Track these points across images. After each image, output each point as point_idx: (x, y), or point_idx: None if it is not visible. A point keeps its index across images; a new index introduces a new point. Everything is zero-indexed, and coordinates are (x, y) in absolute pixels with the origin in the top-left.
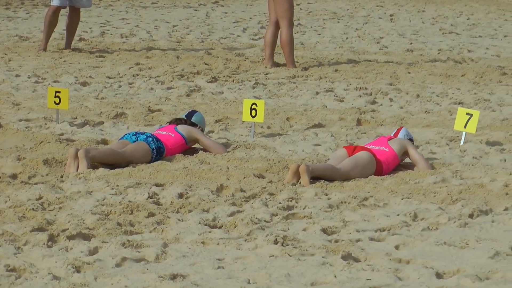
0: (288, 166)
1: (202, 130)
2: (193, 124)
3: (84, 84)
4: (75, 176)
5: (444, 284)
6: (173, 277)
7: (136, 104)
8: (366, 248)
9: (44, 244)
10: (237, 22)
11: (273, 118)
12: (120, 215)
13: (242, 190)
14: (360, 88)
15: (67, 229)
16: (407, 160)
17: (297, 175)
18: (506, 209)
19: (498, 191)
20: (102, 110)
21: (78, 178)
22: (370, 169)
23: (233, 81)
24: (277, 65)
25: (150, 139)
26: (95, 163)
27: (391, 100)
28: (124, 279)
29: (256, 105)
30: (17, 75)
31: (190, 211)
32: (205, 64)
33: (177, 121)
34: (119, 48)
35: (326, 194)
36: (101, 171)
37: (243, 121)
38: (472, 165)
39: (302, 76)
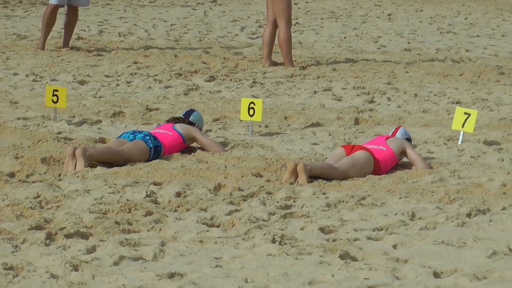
0: (286, 165)
1: (200, 129)
2: (191, 123)
3: (82, 82)
4: (73, 175)
5: (441, 283)
6: (171, 275)
7: (134, 102)
8: (363, 247)
9: (41, 242)
10: (235, 21)
11: (271, 117)
12: (118, 213)
13: (240, 189)
14: (358, 87)
15: (65, 227)
16: (404, 159)
17: (295, 174)
18: (503, 208)
19: (495, 190)
20: (100, 109)
21: (76, 176)
22: (368, 168)
23: (231, 80)
24: (275, 64)
25: (148, 137)
26: (93, 162)
27: (389, 99)
28: (121, 278)
29: (254, 104)
30: (15, 74)
31: (188, 210)
32: (203, 63)
33: (175, 120)
34: (117, 47)
35: (324, 193)
36: (99, 169)
37: (241, 120)
38: (470, 164)
39: (300, 75)
